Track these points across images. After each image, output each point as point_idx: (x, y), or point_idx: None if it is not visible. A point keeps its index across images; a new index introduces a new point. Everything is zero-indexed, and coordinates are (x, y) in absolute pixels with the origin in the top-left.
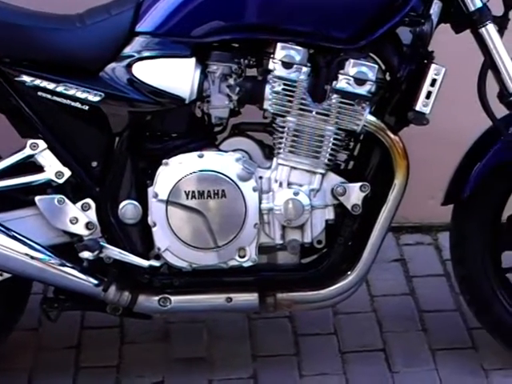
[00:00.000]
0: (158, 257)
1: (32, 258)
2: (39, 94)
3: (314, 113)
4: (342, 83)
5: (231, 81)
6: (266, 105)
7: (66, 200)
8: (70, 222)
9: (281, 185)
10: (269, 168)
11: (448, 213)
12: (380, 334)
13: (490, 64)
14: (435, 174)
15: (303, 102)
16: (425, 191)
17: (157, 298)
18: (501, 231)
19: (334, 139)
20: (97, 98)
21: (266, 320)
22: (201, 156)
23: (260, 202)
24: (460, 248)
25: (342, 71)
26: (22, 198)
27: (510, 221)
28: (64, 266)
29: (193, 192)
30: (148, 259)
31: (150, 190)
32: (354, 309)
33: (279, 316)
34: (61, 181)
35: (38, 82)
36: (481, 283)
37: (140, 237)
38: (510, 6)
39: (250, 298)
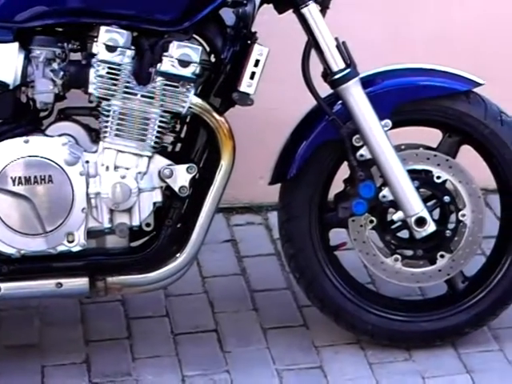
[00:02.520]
0: None
1: None
2: None
3: (138, 96)
4: (166, 66)
5: (55, 65)
6: (91, 89)
7: None
8: None
9: (107, 168)
10: (95, 152)
11: (275, 191)
12: (212, 315)
13: (313, 44)
14: (264, 154)
15: (128, 85)
16: (254, 171)
17: None
18: (328, 209)
19: (160, 122)
20: None
21: (98, 304)
22: (26, 141)
23: (87, 187)
24: (288, 226)
25: (166, 54)
26: None
27: (337, 199)
28: None
29: (19, 178)
30: None
31: None
32: (185, 290)
33: (111, 300)
34: None
35: None
36: (309, 261)
37: None
38: None
39: (79, 282)
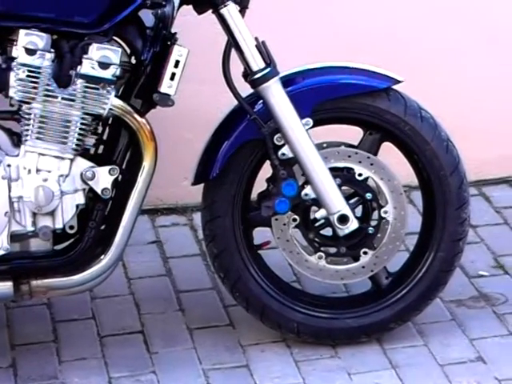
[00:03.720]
0: None
1: None
2: None
3: (59, 98)
4: (86, 68)
5: None
6: (12, 92)
7: None
8: None
9: (29, 172)
10: (17, 155)
11: (198, 192)
12: (138, 317)
13: (233, 44)
14: (188, 155)
15: (48, 88)
16: (178, 172)
17: None
18: (251, 208)
19: (81, 124)
20: None
21: (24, 308)
22: None
23: (10, 190)
24: (211, 226)
25: (86, 56)
26: None
27: (260, 198)
28: None
29: None
30: None
31: None
32: (111, 292)
33: (37, 304)
34: None
35: None
36: (233, 260)
37: None
38: None
39: (3, 286)
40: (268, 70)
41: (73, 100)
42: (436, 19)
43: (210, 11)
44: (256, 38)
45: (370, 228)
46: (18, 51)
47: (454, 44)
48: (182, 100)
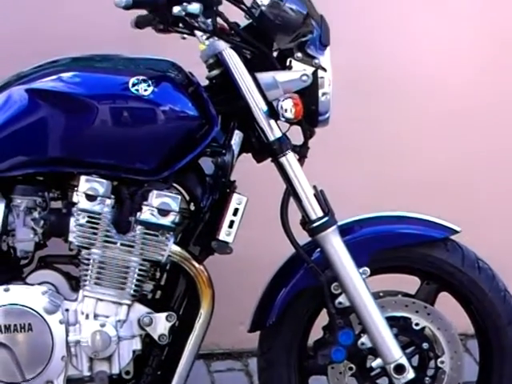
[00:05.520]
0: None
1: None
2: None
3: (118, 244)
4: (145, 214)
5: (36, 214)
6: (71, 237)
7: None
8: None
9: (87, 317)
10: (75, 300)
11: (256, 337)
12: None
13: (291, 192)
14: (244, 300)
15: (107, 234)
16: (235, 316)
17: None
18: (307, 356)
19: (140, 270)
20: None
21: None
22: (6, 290)
23: (67, 335)
24: (267, 374)
25: (145, 202)
26: None
27: (316, 346)
28: None
29: None
30: None
31: None
32: None
33: None
34: None
35: None
36: None
37: None
38: (308, 136)
39: None
40: (326, 219)
41: (132, 246)
42: (492, 169)
43: (269, 159)
44: (314, 187)
45: (427, 378)
46: (78, 197)
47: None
48: (239, 245)
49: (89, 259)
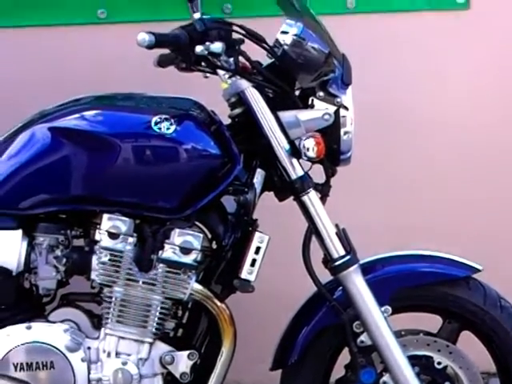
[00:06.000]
0: None
1: None
2: None
3: (140, 282)
4: (167, 253)
5: (58, 252)
6: (93, 275)
7: None
8: None
9: (109, 355)
10: (97, 338)
11: (277, 375)
12: None
13: (313, 230)
14: (266, 337)
15: (130, 272)
16: (256, 355)
17: None
18: None
19: (162, 308)
20: None
21: None
22: (29, 328)
23: (89, 373)
24: None
25: (167, 240)
26: None
27: None
28: None
29: (21, 364)
30: None
31: None
32: None
33: None
34: None
35: None
36: None
37: None
38: (330, 174)
39: None
40: (347, 257)
41: (154, 284)
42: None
43: (291, 198)
44: (336, 225)
45: None
46: (100, 235)
47: None
48: (261, 283)
49: (111, 297)
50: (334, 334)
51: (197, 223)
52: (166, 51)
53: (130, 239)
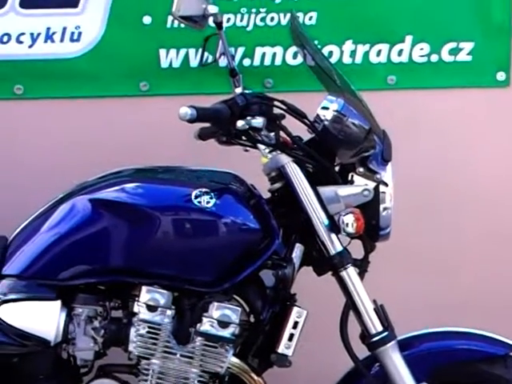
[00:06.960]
0: None
1: None
2: None
3: (178, 355)
4: (205, 326)
5: (96, 323)
6: (131, 347)
7: None
8: None
9: None
10: None
11: None
12: None
13: (351, 305)
14: None
15: (167, 344)
16: None
17: None
18: None
19: (199, 381)
20: None
21: None
22: None
23: None
24: None
25: (206, 314)
26: None
27: None
28: None
29: None
30: None
31: None
32: None
33: None
34: None
35: None
36: None
37: None
38: (369, 250)
39: None
40: (385, 333)
41: (191, 357)
42: None
43: (330, 273)
44: (374, 301)
45: None
46: (139, 307)
47: None
48: (298, 358)
49: (148, 369)
50: None
51: (235, 297)
52: (207, 124)
53: (169, 312)
